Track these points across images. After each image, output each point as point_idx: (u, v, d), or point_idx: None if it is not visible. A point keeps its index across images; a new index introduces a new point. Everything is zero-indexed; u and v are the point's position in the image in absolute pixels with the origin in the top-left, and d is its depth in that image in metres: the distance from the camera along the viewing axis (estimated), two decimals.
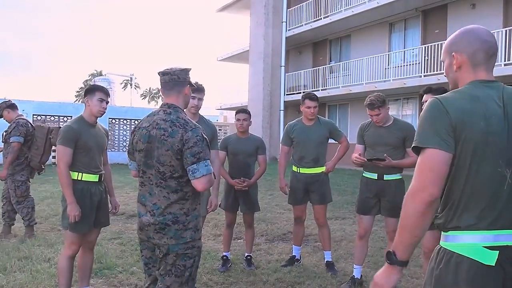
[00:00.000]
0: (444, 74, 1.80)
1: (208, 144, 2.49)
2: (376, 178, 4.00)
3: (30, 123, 5.64)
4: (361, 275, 4.20)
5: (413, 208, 1.51)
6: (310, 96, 4.57)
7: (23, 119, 5.61)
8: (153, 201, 2.49)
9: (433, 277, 1.57)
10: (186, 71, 2.62)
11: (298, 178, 4.64)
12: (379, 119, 3.95)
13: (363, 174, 4.15)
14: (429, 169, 1.50)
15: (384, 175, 3.97)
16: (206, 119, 4.17)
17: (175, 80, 2.58)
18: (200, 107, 4.05)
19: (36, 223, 5.75)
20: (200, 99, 4.00)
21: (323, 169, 4.59)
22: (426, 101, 3.31)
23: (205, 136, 2.48)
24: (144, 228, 2.53)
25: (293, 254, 4.85)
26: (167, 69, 2.61)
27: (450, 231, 1.57)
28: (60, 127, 6.13)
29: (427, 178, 1.50)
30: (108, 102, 3.50)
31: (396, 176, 4.00)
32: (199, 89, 3.94)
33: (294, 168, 4.67)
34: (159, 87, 2.68)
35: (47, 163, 5.67)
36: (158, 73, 2.63)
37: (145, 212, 2.53)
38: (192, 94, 3.87)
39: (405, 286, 4.17)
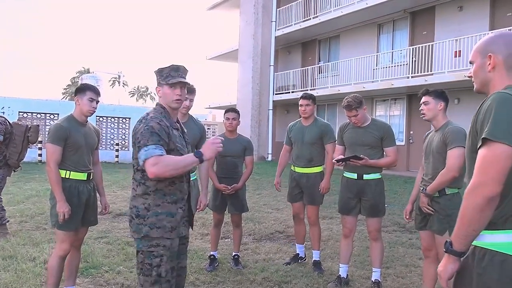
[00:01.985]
0: (470, 75, 1.77)
1: (155, 132, 2.39)
2: (356, 178, 4.05)
3: (8, 121, 5.58)
4: (347, 274, 4.23)
5: (473, 202, 1.49)
6: (302, 95, 4.66)
7: (1, 117, 5.55)
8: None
9: (473, 275, 1.57)
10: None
11: (293, 176, 4.73)
12: (357, 120, 4.01)
13: (343, 174, 4.20)
14: (495, 165, 1.47)
15: (364, 175, 4.02)
16: (195, 119, 4.19)
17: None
18: (191, 108, 4.08)
19: (8, 221, 5.65)
20: (191, 100, 4.02)
21: (317, 169, 4.63)
22: (425, 102, 3.36)
23: (155, 129, 2.40)
24: None
25: (297, 252, 4.90)
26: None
27: (491, 231, 1.54)
28: (38, 125, 6.09)
29: (491, 173, 1.47)
30: (98, 101, 3.49)
31: (376, 176, 4.06)
32: (190, 90, 3.96)
33: (292, 167, 4.76)
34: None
35: (36, 161, 5.59)
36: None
37: None
38: None
39: (390, 285, 4.21)
